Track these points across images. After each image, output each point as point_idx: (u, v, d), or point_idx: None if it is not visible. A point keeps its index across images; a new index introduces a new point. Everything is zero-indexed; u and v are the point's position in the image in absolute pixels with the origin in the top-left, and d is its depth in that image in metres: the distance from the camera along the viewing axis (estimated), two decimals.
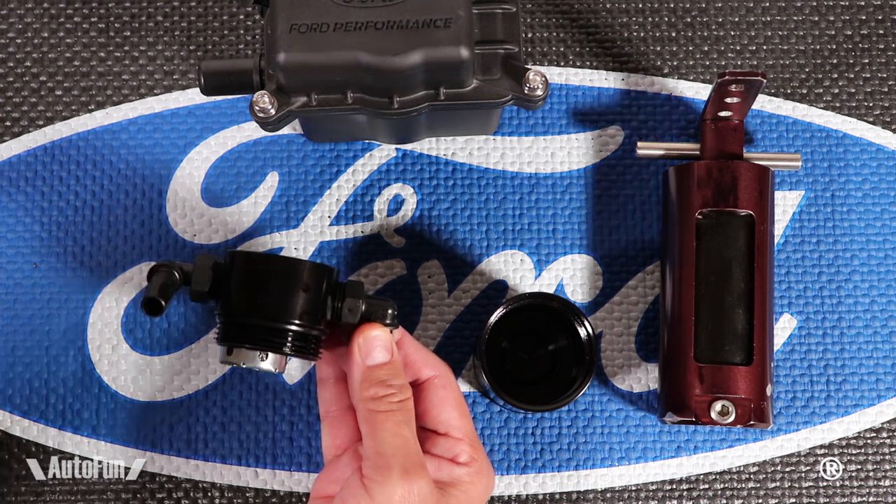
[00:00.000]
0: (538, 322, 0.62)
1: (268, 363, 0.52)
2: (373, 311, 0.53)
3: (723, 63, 0.67)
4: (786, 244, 0.65)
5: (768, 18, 0.68)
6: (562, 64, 0.67)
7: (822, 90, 0.67)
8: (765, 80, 0.58)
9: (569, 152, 0.66)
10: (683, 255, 0.59)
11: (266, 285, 0.52)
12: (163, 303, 0.50)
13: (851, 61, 0.67)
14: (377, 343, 0.51)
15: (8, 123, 0.66)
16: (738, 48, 0.67)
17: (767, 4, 0.68)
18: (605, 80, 0.67)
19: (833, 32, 0.67)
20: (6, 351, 0.63)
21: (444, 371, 0.54)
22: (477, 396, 0.63)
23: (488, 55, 0.57)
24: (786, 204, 0.65)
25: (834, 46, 0.67)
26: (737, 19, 0.68)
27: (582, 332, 0.58)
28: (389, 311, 0.53)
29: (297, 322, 0.52)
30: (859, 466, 0.63)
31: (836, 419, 0.63)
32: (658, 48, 0.67)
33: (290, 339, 0.52)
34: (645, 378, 0.63)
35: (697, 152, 0.63)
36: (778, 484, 0.63)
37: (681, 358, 0.58)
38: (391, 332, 0.53)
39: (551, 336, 0.62)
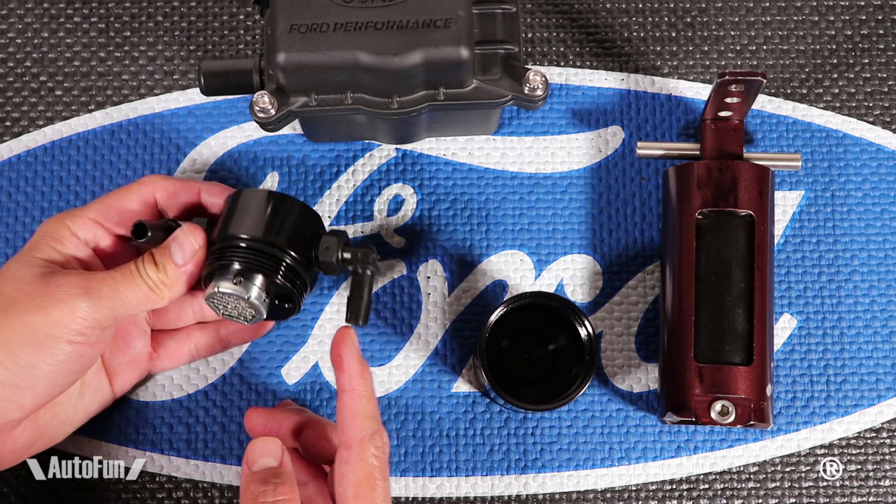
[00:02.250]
0: (538, 322, 0.62)
1: (254, 293, 0.54)
2: (353, 257, 0.56)
3: (723, 63, 0.67)
4: (786, 244, 0.65)
5: (768, 18, 0.68)
6: (562, 64, 0.67)
7: (822, 90, 0.67)
8: (765, 80, 0.58)
9: (569, 152, 0.66)
10: (683, 255, 0.59)
11: (256, 212, 0.55)
12: (148, 231, 0.54)
13: (851, 61, 0.67)
14: (263, 452, 0.50)
15: (8, 123, 0.66)
16: (738, 48, 0.67)
17: (767, 4, 0.68)
18: (605, 80, 0.67)
19: (833, 32, 0.67)
20: None
21: (352, 449, 0.50)
22: (477, 396, 0.63)
23: (488, 55, 0.57)
24: (786, 204, 0.65)
25: (834, 46, 0.67)
26: (737, 19, 0.68)
27: (582, 332, 0.58)
28: (372, 257, 0.56)
29: (289, 250, 0.54)
30: (859, 466, 0.63)
31: (836, 419, 0.63)
32: (658, 48, 0.67)
33: (282, 265, 0.54)
34: (645, 378, 0.63)
35: (697, 152, 0.63)
36: (778, 484, 0.63)
37: (681, 358, 0.58)
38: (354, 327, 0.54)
39: (551, 336, 0.62)
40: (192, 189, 0.58)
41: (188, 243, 0.54)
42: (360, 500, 0.49)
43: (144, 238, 0.54)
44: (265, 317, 0.56)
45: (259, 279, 0.54)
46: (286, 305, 0.57)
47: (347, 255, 0.56)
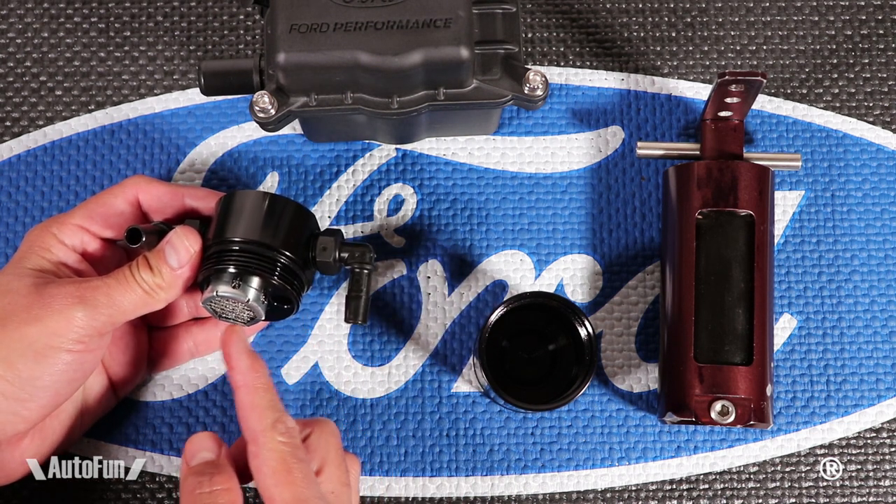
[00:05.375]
0: (538, 322, 0.62)
1: (252, 295, 0.54)
2: (350, 256, 0.56)
3: (723, 63, 0.67)
4: (786, 244, 0.65)
5: (768, 18, 0.68)
6: (562, 64, 0.67)
7: (822, 90, 0.67)
8: (765, 80, 0.58)
9: (569, 152, 0.66)
10: (683, 255, 0.59)
11: (250, 214, 0.55)
12: (143, 237, 0.53)
13: (851, 61, 0.67)
14: (200, 446, 0.51)
15: (8, 123, 0.66)
16: (738, 48, 0.67)
17: (767, 4, 0.68)
18: (605, 80, 0.67)
19: (833, 32, 0.67)
20: None
21: (258, 441, 0.49)
22: (477, 396, 0.63)
23: (488, 55, 0.57)
24: (786, 204, 0.65)
25: (834, 46, 0.67)
26: (737, 19, 0.68)
27: (582, 332, 0.58)
28: (369, 255, 0.56)
29: (285, 251, 0.54)
30: (859, 466, 0.63)
31: (836, 419, 0.63)
32: (658, 48, 0.67)
33: (279, 266, 0.54)
34: (645, 378, 0.63)
35: (697, 152, 0.63)
36: (778, 484, 0.63)
37: (681, 358, 0.58)
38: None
39: (551, 336, 0.62)
40: (176, 194, 0.57)
41: (183, 246, 0.54)
42: (279, 487, 0.48)
43: (139, 243, 0.53)
44: (263, 318, 0.56)
45: (256, 281, 0.54)
46: (284, 306, 0.57)
47: (345, 255, 0.56)
